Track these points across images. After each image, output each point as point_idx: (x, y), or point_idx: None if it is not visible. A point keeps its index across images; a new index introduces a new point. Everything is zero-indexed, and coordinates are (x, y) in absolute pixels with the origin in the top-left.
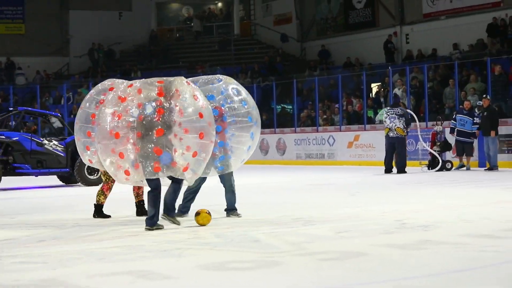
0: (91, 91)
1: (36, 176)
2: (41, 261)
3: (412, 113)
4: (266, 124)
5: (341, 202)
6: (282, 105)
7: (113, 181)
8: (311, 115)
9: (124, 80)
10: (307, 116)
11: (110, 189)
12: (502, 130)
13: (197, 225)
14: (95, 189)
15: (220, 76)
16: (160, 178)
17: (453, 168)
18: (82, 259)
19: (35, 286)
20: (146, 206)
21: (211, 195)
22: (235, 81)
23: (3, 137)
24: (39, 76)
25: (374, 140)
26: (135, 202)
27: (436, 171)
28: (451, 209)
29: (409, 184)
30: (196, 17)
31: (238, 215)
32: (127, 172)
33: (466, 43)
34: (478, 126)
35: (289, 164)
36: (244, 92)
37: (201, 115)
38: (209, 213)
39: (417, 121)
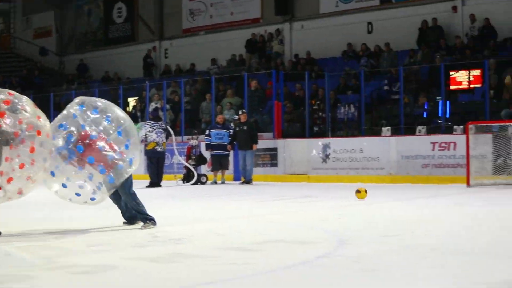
0: None
1: None
2: None
3: (169, 127)
4: None
5: (92, 216)
6: None
7: None
8: None
9: None
10: None
11: None
12: (258, 144)
13: None
14: None
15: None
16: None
17: (208, 182)
18: None
19: None
20: None
21: None
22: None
23: None
24: None
25: None
26: None
27: (191, 184)
28: (204, 222)
29: (164, 197)
30: None
31: None
32: None
33: (225, 58)
34: (231, 139)
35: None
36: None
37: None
38: None
39: (173, 135)
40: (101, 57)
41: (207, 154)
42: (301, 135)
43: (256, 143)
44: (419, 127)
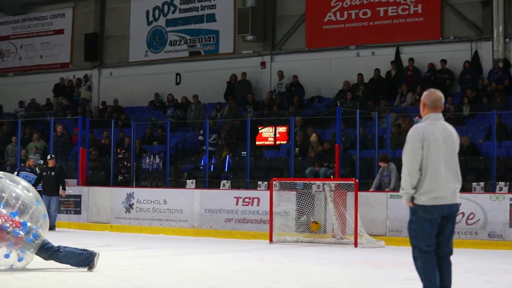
0: None
1: None
2: None
3: None
4: None
5: None
6: None
7: None
8: None
9: None
10: None
11: None
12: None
13: None
14: None
15: None
16: None
17: None
18: None
19: None
20: None
21: None
22: None
23: None
24: None
25: None
26: None
27: None
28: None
29: None
30: None
31: None
32: None
33: (34, 100)
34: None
35: None
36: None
37: None
38: None
39: None
40: None
41: None
42: (105, 183)
43: (64, 189)
44: (224, 181)
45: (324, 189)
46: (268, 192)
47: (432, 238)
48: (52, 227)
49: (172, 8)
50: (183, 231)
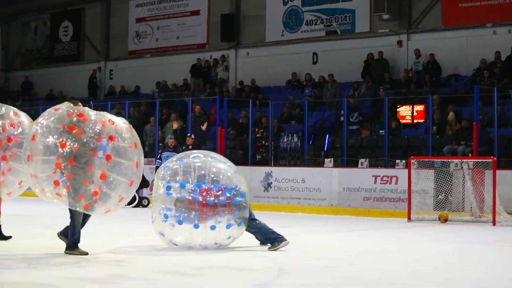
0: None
1: None
2: None
3: None
4: None
5: (36, 234)
6: None
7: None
8: None
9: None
10: None
11: None
12: None
13: None
14: None
15: None
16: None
17: (150, 204)
18: None
19: None
20: None
21: None
22: None
23: None
24: None
25: None
26: None
27: (133, 207)
28: (146, 245)
29: (106, 219)
30: None
31: None
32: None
33: (170, 82)
34: None
35: None
36: None
37: None
38: None
39: None
40: (46, 75)
41: (149, 177)
42: (243, 162)
43: None
44: (362, 160)
45: (462, 167)
46: (406, 170)
47: None
48: None
49: None
50: (322, 210)
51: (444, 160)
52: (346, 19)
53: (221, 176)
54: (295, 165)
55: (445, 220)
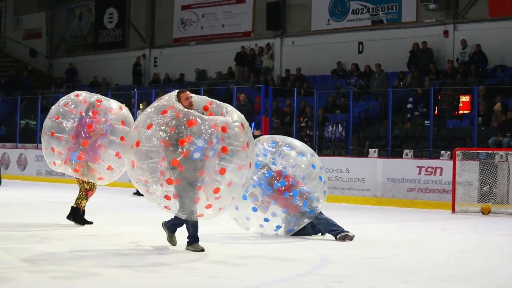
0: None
1: None
2: None
3: None
4: (9, 139)
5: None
6: (27, 120)
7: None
8: None
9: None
10: None
11: (92, 195)
12: None
13: None
14: None
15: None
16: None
17: None
18: None
19: None
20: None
21: None
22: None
23: None
24: None
25: None
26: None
27: None
28: (185, 234)
29: (149, 206)
30: None
31: None
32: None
33: (214, 70)
34: None
35: (29, 180)
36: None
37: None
38: None
39: None
40: (90, 61)
41: None
42: None
43: None
44: (406, 150)
45: (507, 159)
46: (451, 161)
47: None
48: None
49: None
50: (365, 200)
51: (489, 151)
52: (392, 8)
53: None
54: (340, 155)
55: (488, 213)
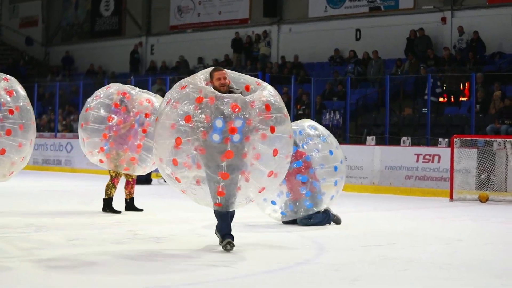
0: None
1: None
2: None
3: None
4: None
5: (75, 210)
6: None
7: (121, 175)
8: (51, 120)
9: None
10: (47, 121)
11: (118, 182)
12: None
13: None
14: None
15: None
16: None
17: None
18: None
19: None
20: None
21: None
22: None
23: None
24: None
25: None
26: (125, 199)
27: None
28: (186, 222)
29: (148, 196)
30: None
31: None
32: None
33: (211, 57)
34: None
35: (26, 169)
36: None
37: None
38: None
39: None
40: (87, 49)
41: None
42: None
43: None
44: (404, 138)
45: (505, 146)
46: (448, 149)
47: None
48: None
49: None
50: (363, 188)
51: (487, 139)
52: None
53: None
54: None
55: (486, 200)
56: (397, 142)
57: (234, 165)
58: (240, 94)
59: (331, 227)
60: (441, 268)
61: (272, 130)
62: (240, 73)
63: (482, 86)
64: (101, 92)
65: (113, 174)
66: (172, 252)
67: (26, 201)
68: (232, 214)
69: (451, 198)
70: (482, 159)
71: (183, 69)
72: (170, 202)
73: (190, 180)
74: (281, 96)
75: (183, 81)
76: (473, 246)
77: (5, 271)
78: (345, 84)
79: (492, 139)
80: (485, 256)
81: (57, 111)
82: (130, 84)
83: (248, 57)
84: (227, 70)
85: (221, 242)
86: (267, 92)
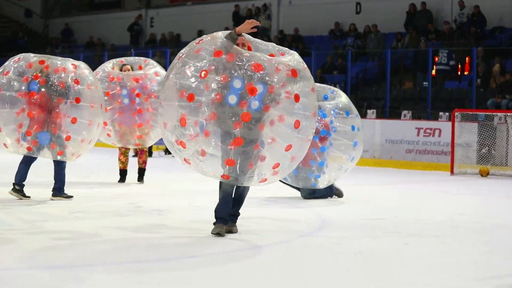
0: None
1: None
2: None
3: None
4: None
5: (76, 182)
6: None
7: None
8: None
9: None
10: None
11: (123, 154)
12: None
13: None
14: None
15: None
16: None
17: None
18: None
19: None
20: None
21: None
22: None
23: None
24: None
25: None
26: (138, 168)
27: (173, 156)
28: (186, 195)
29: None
30: None
31: None
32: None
33: (211, 30)
34: None
35: None
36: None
37: None
38: None
39: None
40: (86, 22)
41: None
42: None
43: None
44: (404, 112)
45: (506, 121)
46: (449, 123)
47: None
48: None
49: None
50: (364, 162)
51: (488, 113)
52: None
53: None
54: None
55: (486, 174)
56: (397, 116)
57: (248, 135)
58: (264, 54)
59: (334, 201)
60: (443, 242)
61: (297, 99)
62: (262, 40)
63: (483, 61)
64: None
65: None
66: (175, 224)
67: (29, 175)
68: (240, 194)
69: (452, 172)
70: (483, 133)
71: (182, 43)
72: (168, 175)
73: (195, 149)
74: None
75: (201, 37)
76: (474, 220)
77: (8, 243)
78: (345, 58)
79: (493, 114)
80: (487, 230)
81: None
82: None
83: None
84: (248, 36)
85: (214, 224)
86: (294, 58)
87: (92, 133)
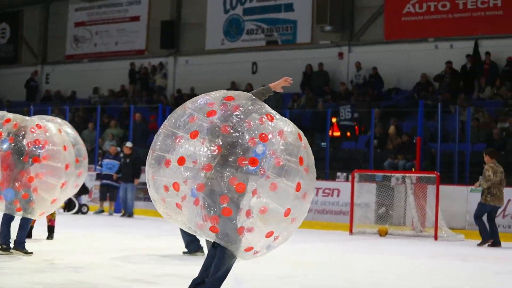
0: None
1: None
2: None
3: None
4: None
5: None
6: None
7: None
8: None
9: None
10: None
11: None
12: (140, 178)
13: None
14: None
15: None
16: None
17: (89, 211)
18: None
19: None
20: None
21: None
22: None
23: None
24: None
25: None
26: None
27: (73, 213)
28: (100, 252)
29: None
30: None
31: None
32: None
33: (107, 87)
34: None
35: None
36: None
37: None
38: None
39: None
40: None
41: (88, 184)
42: None
43: (138, 177)
44: None
45: (404, 181)
46: (347, 183)
47: None
48: (130, 214)
49: None
50: None
51: (385, 174)
52: (287, 29)
53: None
54: None
55: (385, 234)
56: None
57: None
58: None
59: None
60: None
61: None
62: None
63: (380, 122)
64: None
65: None
66: (93, 281)
67: None
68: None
69: (351, 231)
70: (381, 193)
71: (78, 100)
72: (72, 232)
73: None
74: None
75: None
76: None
77: None
78: None
79: (391, 174)
80: (396, 284)
81: None
82: (29, 114)
83: (144, 88)
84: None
85: None
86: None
87: (56, 192)
